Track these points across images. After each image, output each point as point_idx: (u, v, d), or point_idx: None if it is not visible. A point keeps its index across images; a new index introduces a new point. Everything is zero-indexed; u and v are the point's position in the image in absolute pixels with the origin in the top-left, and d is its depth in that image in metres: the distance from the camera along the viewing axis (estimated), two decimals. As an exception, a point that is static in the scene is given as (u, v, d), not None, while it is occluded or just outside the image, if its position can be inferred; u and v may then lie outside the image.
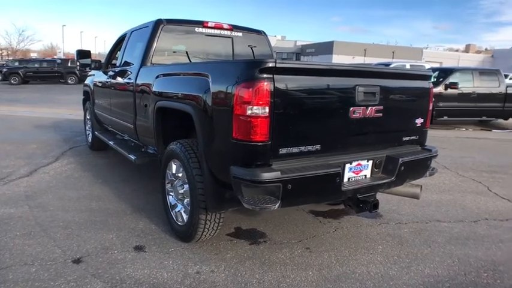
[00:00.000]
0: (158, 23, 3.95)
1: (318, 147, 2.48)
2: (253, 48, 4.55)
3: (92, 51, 6.38)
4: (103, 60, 5.56)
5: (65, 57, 33.93)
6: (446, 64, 44.98)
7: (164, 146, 3.42)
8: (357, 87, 2.55)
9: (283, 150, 2.33)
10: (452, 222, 3.73)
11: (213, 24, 4.26)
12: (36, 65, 24.47)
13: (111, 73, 4.93)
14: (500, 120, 11.04)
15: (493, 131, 10.47)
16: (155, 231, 3.33)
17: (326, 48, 59.25)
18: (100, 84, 5.32)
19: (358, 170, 2.73)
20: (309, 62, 2.85)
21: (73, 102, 14.07)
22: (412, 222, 3.68)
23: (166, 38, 3.98)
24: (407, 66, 14.13)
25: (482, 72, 10.70)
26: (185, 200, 3.01)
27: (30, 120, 9.51)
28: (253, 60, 2.25)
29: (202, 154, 2.66)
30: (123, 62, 4.68)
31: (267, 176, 2.19)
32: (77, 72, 5.96)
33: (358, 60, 47.64)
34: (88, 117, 6.29)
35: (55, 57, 42.19)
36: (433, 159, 3.15)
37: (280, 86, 2.24)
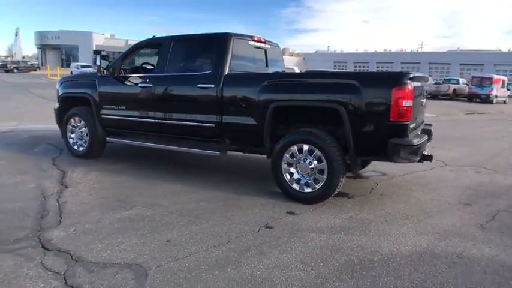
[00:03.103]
0: (230, 36, 4.73)
1: (414, 124, 4.08)
2: (269, 57, 5.73)
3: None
4: None
5: None
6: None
7: (270, 137, 4.35)
8: (423, 87, 4.29)
9: (410, 127, 3.84)
10: (429, 170, 5.85)
11: (256, 38, 5.26)
12: None
13: (146, 79, 5.18)
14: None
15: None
16: (279, 203, 4.17)
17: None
18: (125, 90, 5.40)
19: (419, 138, 4.46)
20: (417, 73, 4.40)
21: None
22: (407, 174, 5.63)
23: (235, 48, 4.78)
24: (296, 70, 17.36)
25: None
26: (316, 172, 4.10)
27: None
28: (404, 72, 3.65)
29: (349, 136, 3.86)
30: (168, 69, 5.07)
31: (416, 141, 3.69)
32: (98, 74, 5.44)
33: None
34: (76, 124, 6.00)
35: None
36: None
37: (414, 87, 3.74)
